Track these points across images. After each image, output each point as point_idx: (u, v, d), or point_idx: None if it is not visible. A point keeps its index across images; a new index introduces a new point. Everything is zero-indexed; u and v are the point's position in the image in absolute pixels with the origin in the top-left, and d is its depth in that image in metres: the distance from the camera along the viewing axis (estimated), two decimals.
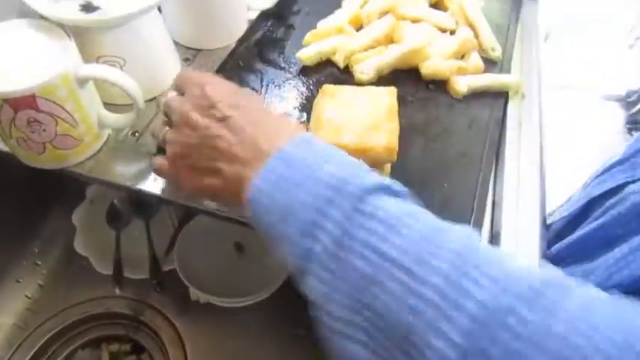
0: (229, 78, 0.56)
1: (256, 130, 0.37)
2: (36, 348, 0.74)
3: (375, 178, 0.33)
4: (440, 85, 0.59)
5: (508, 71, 0.62)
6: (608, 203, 0.52)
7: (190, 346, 0.75)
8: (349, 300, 0.29)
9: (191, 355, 0.74)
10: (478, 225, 0.46)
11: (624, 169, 0.54)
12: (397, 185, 0.33)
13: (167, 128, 0.42)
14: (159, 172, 0.44)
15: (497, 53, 0.63)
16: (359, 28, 0.64)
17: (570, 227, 0.58)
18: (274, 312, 0.77)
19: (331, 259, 0.30)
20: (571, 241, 0.56)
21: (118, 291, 0.74)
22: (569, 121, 1.73)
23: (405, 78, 0.59)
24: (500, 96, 0.59)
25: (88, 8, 0.47)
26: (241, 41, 0.63)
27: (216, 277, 0.77)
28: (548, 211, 0.56)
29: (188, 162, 0.39)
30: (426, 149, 0.52)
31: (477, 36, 0.63)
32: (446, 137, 0.54)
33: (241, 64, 0.61)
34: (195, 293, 0.75)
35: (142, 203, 0.79)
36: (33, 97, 0.42)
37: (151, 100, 0.55)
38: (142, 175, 0.49)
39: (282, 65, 0.61)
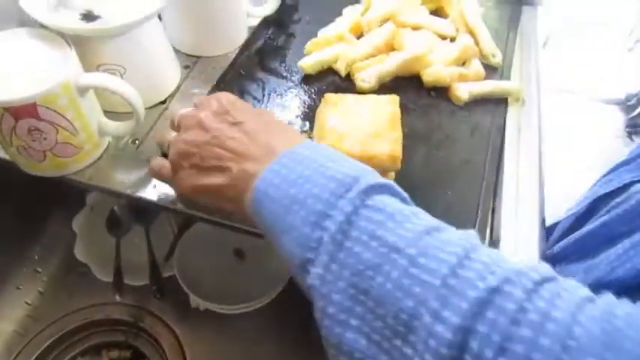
0: (231, 87, 0.57)
1: (268, 134, 0.38)
2: (36, 355, 0.73)
3: (382, 179, 0.34)
4: (441, 92, 0.59)
5: (508, 77, 0.62)
6: (613, 202, 0.52)
7: (190, 353, 0.74)
8: (353, 289, 0.30)
9: None
10: (482, 233, 0.46)
11: (630, 168, 0.55)
12: (401, 190, 0.35)
13: (174, 133, 0.42)
14: (157, 173, 0.43)
15: (497, 59, 0.63)
16: (359, 36, 0.64)
17: (576, 226, 0.58)
18: (274, 318, 0.77)
19: (338, 248, 0.31)
20: (575, 238, 0.56)
21: (118, 298, 0.74)
22: (568, 125, 1.74)
23: (407, 85, 0.59)
24: (501, 102, 0.59)
25: (88, 17, 0.47)
26: (242, 50, 0.63)
27: (215, 284, 0.77)
28: (547, 214, 0.56)
29: (192, 161, 0.39)
30: (429, 157, 0.53)
31: (477, 42, 0.63)
32: (448, 145, 0.54)
33: (242, 73, 0.61)
34: (195, 300, 0.75)
35: (141, 210, 0.79)
36: (34, 105, 0.42)
37: (151, 107, 0.55)
38: (142, 183, 0.49)
39: (284, 74, 0.61)
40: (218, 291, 0.75)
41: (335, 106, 0.49)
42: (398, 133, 0.47)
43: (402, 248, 0.29)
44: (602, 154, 1.67)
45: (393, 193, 0.34)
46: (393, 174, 0.48)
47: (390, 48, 0.62)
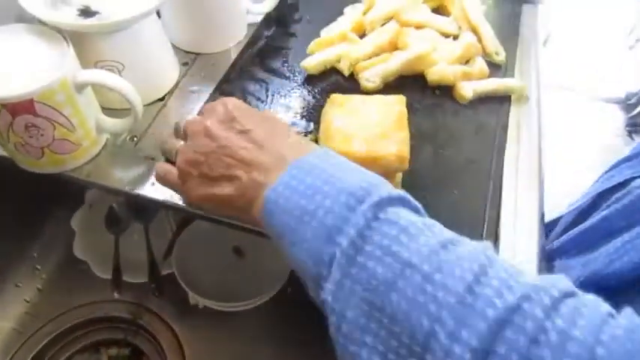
0: (234, 88, 0.56)
1: (277, 142, 0.38)
2: (34, 352, 0.73)
3: (394, 190, 0.33)
4: (445, 90, 0.59)
5: (512, 75, 0.62)
6: (614, 197, 0.53)
7: (189, 350, 0.74)
8: (367, 306, 0.29)
9: (189, 359, 0.74)
10: (490, 232, 0.46)
11: (632, 165, 0.55)
12: (414, 201, 0.34)
13: (181, 142, 0.42)
14: (162, 178, 0.43)
15: (501, 57, 0.62)
16: (362, 35, 0.63)
17: (578, 221, 0.59)
18: (273, 316, 0.77)
19: (350, 263, 0.30)
20: (575, 233, 0.56)
21: (116, 295, 0.74)
22: (568, 123, 1.74)
23: (411, 84, 0.59)
24: (505, 100, 0.59)
25: (86, 13, 0.47)
26: (243, 50, 0.63)
27: (214, 282, 0.77)
28: (546, 211, 0.56)
29: (200, 170, 0.39)
30: (435, 156, 0.52)
31: (480, 40, 0.62)
32: (454, 144, 0.53)
33: (245, 74, 0.60)
34: (193, 297, 0.75)
35: (140, 208, 0.79)
36: (31, 102, 0.41)
37: (150, 104, 0.55)
38: (140, 180, 0.49)
39: (287, 74, 0.60)
40: (217, 289, 0.75)
41: (341, 107, 0.48)
42: (405, 134, 0.46)
43: (416, 264, 0.29)
44: (602, 153, 1.67)
45: (406, 205, 0.33)
46: (400, 174, 0.48)
47: (394, 47, 0.61)
